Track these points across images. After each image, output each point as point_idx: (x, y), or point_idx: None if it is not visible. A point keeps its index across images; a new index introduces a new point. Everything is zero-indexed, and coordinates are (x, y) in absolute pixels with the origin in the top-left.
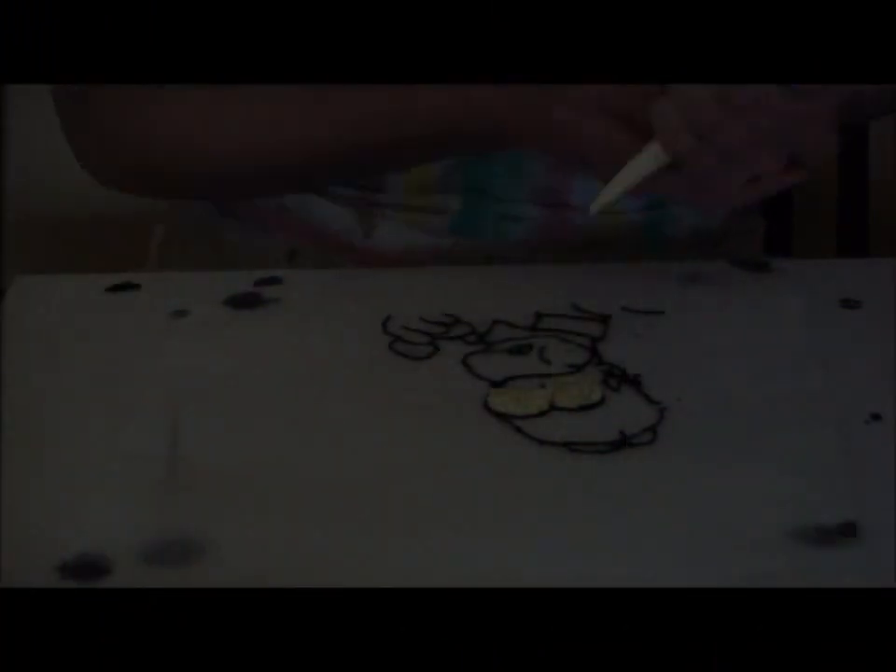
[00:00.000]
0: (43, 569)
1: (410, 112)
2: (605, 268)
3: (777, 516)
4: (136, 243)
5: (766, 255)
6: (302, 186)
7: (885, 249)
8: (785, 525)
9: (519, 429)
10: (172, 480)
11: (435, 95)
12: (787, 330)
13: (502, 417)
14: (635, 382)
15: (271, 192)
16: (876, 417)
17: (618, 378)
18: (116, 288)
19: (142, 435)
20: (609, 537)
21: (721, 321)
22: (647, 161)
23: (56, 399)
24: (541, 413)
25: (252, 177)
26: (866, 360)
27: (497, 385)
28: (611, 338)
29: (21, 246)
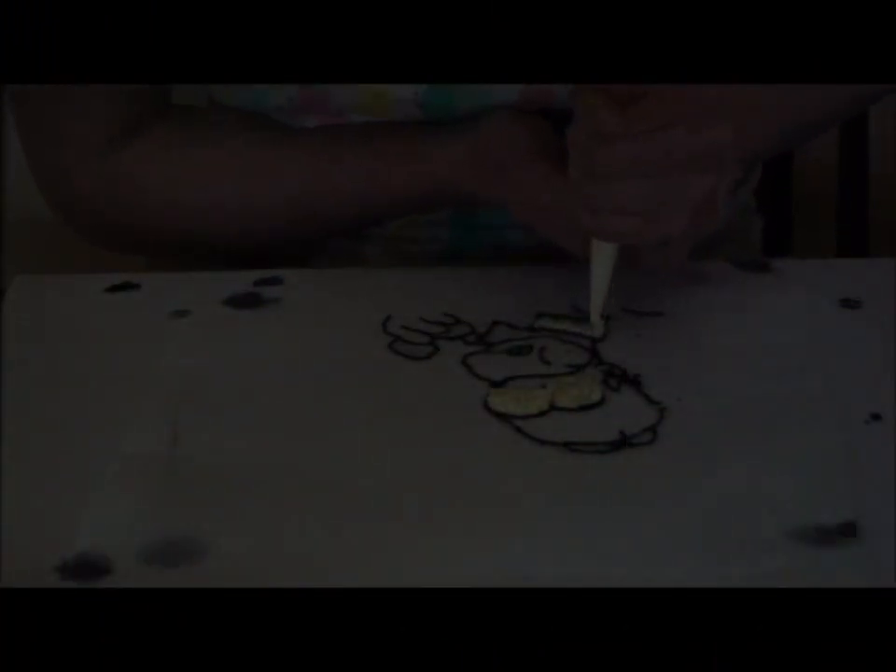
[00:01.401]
0: (43, 569)
1: (381, 189)
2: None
3: (777, 516)
4: None
5: (765, 255)
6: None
7: (885, 249)
8: (785, 525)
9: (519, 429)
10: (172, 480)
11: (401, 172)
12: (787, 330)
13: (502, 417)
14: (635, 382)
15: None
16: (876, 417)
17: (618, 378)
18: (115, 288)
19: (142, 435)
20: (608, 537)
21: (721, 321)
22: (603, 261)
23: (56, 399)
24: (541, 413)
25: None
26: (866, 360)
27: (496, 385)
28: (611, 338)
29: (21, 246)
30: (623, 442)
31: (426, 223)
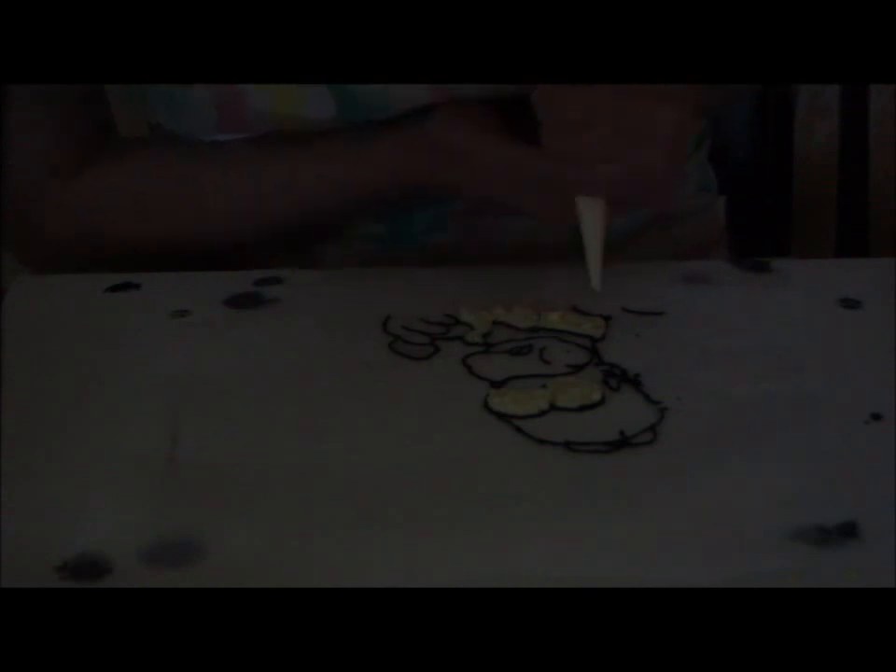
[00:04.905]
0: (43, 569)
1: (330, 190)
2: (605, 268)
3: (777, 516)
4: None
5: (731, 233)
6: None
7: (885, 249)
8: (785, 524)
9: (519, 429)
10: (172, 480)
11: (348, 170)
12: (787, 330)
13: (502, 417)
14: (635, 382)
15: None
16: (876, 417)
17: (618, 378)
18: (116, 288)
19: (142, 435)
20: (609, 537)
21: (720, 321)
22: (591, 218)
23: (56, 399)
24: (541, 413)
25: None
26: (866, 360)
27: (496, 385)
28: (611, 338)
29: None
30: (623, 442)
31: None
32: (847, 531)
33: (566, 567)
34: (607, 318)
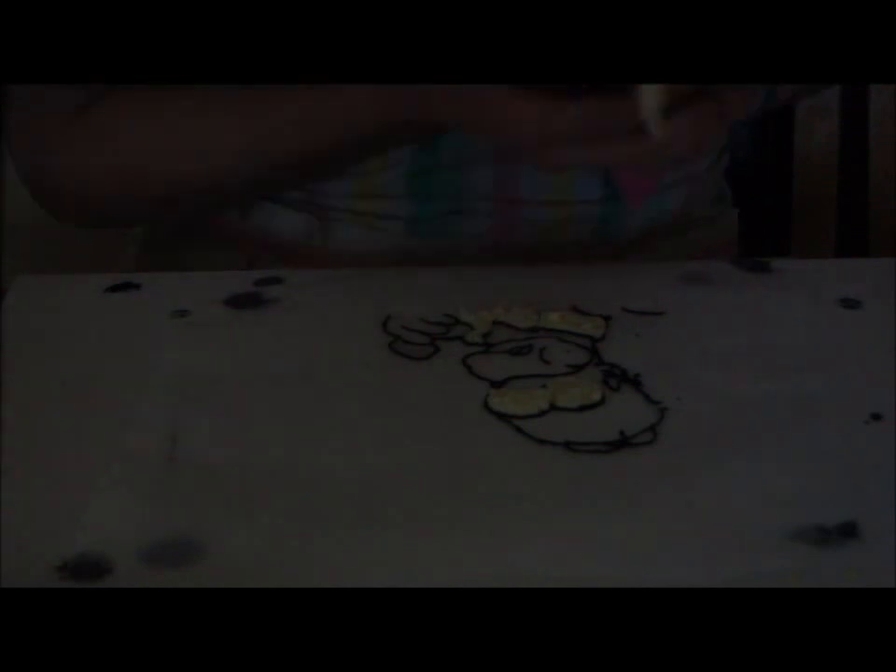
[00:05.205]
0: (43, 569)
1: (324, 125)
2: (605, 268)
3: (777, 516)
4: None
5: (744, 245)
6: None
7: (885, 249)
8: (785, 524)
9: (519, 429)
10: (172, 480)
11: (359, 96)
12: (787, 330)
13: (502, 417)
14: (635, 382)
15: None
16: (876, 417)
17: (618, 378)
18: (116, 288)
19: (142, 435)
20: (608, 537)
21: (720, 321)
22: None
23: (56, 399)
24: (541, 413)
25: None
26: (866, 360)
27: (496, 385)
28: (611, 338)
29: (22, 246)
30: (623, 442)
31: (384, 195)
32: (847, 531)
33: (566, 567)
34: (607, 318)
